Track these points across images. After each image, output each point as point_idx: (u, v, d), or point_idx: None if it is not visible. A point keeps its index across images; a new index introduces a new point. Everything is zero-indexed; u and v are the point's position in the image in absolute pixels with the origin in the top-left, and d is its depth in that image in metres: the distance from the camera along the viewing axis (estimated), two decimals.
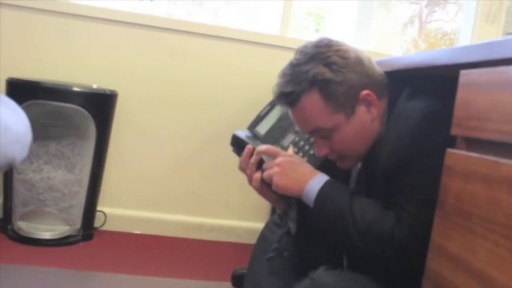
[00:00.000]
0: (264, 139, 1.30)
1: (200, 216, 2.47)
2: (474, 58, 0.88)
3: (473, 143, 0.86)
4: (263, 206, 2.46)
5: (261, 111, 1.33)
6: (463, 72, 0.90)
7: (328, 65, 1.09)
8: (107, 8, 2.34)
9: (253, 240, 2.46)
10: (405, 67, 1.14)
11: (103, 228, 2.29)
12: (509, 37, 0.88)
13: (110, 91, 2.15)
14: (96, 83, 2.19)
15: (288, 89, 1.10)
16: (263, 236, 1.45)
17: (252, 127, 1.31)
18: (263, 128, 1.32)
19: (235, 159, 2.43)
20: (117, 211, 2.36)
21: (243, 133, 1.27)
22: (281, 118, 1.32)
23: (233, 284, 1.69)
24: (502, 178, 0.75)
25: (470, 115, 0.85)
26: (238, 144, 1.25)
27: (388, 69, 1.23)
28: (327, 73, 1.08)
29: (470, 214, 0.82)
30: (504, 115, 0.76)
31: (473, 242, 0.80)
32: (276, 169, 1.11)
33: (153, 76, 2.38)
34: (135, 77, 2.37)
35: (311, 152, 1.29)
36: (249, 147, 1.20)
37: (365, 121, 1.12)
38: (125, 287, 1.76)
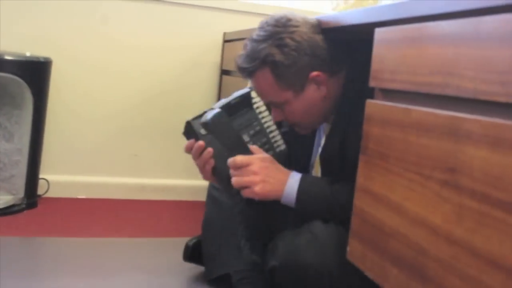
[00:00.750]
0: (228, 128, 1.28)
1: (142, 177, 2.53)
2: (386, 17, 0.98)
3: (387, 94, 0.97)
4: None
5: (233, 98, 1.31)
6: (377, 30, 0.99)
7: (280, 46, 1.16)
8: None
9: (194, 197, 2.56)
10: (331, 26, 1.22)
11: (47, 195, 2.31)
12: None
13: (44, 58, 2.14)
14: (29, 51, 2.16)
15: (244, 65, 1.21)
16: (214, 197, 1.51)
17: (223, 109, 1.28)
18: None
19: (174, 119, 2.51)
20: (60, 177, 2.38)
21: (198, 123, 1.26)
22: (243, 115, 1.32)
23: (187, 257, 1.65)
24: (412, 123, 0.86)
25: (384, 68, 0.95)
26: (190, 134, 1.26)
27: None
28: (277, 55, 1.16)
29: (387, 156, 0.93)
30: (411, 67, 0.87)
31: (391, 180, 0.91)
32: (255, 178, 1.15)
33: (87, 41, 2.37)
34: (68, 44, 2.34)
35: (277, 150, 1.32)
36: (200, 144, 1.23)
37: (314, 98, 1.21)
38: (74, 249, 1.80)
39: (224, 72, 2.47)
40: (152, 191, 2.52)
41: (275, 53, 1.16)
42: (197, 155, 1.24)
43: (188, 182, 2.56)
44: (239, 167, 1.17)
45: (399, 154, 0.89)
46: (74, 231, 1.96)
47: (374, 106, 0.98)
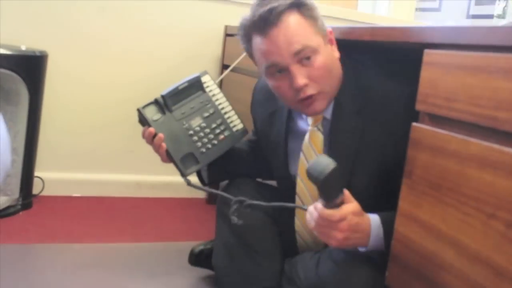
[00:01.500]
0: (175, 114, 1.35)
1: (139, 174, 2.46)
2: (440, 40, 0.94)
3: (439, 120, 0.93)
4: None
5: (180, 83, 1.36)
6: (427, 52, 0.96)
7: None
8: None
9: (194, 193, 2.51)
10: (368, 38, 1.18)
11: (42, 194, 2.22)
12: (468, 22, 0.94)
13: (40, 51, 2.04)
14: (24, 44, 2.06)
15: (268, 7, 1.13)
16: (225, 216, 1.39)
17: (167, 96, 1.34)
18: (175, 102, 1.36)
19: None
20: (55, 175, 2.29)
21: (149, 110, 1.35)
22: (195, 99, 1.39)
23: (193, 262, 1.63)
24: (471, 155, 0.83)
25: (437, 93, 0.92)
26: (143, 122, 1.35)
27: (339, 37, 1.27)
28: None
29: (439, 185, 0.90)
30: (473, 98, 0.84)
31: (444, 211, 0.88)
32: (338, 235, 1.03)
33: (83, 34, 2.27)
34: (64, 36, 2.24)
35: (215, 142, 1.39)
36: (150, 130, 1.31)
37: (333, 56, 1.20)
38: (72, 257, 1.74)
39: (225, 67, 2.41)
40: (148, 188, 2.46)
41: None
42: (150, 140, 1.32)
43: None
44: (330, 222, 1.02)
45: (455, 186, 0.86)
46: (72, 236, 1.89)
47: (422, 131, 0.95)
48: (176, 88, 1.35)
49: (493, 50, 0.81)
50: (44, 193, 2.23)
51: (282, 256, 1.36)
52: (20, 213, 2.04)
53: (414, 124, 0.98)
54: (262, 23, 1.14)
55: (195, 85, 1.39)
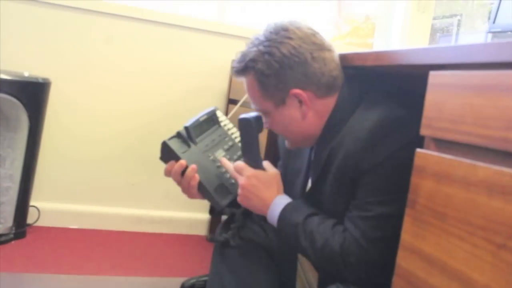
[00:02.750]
0: (199, 147, 1.30)
1: (139, 208, 2.40)
2: (445, 60, 0.89)
3: (444, 145, 0.87)
4: None
5: (200, 116, 1.34)
6: (432, 73, 0.90)
7: (266, 54, 1.11)
8: None
9: (194, 231, 2.44)
10: (372, 63, 1.13)
11: (37, 224, 2.17)
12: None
13: (43, 79, 2.02)
14: (27, 71, 2.04)
15: (235, 64, 1.18)
16: (222, 250, 1.36)
17: (192, 128, 1.30)
18: (198, 134, 1.32)
19: None
20: (51, 205, 2.24)
21: (174, 143, 1.28)
22: (214, 132, 1.36)
23: None
24: (479, 181, 0.76)
25: (443, 116, 0.86)
26: (169, 156, 1.26)
27: (354, 63, 1.22)
28: (260, 63, 1.11)
29: (444, 215, 0.83)
30: (480, 119, 0.77)
31: (450, 243, 0.81)
32: (239, 191, 1.18)
33: (88, 63, 2.27)
34: (69, 64, 2.24)
35: None
36: (182, 163, 1.23)
37: (294, 116, 1.15)
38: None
39: (231, 101, 2.37)
40: (149, 223, 2.39)
41: (258, 60, 1.12)
42: (178, 175, 1.24)
43: (187, 215, 2.44)
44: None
45: (462, 215, 0.79)
46: (65, 267, 1.83)
47: (427, 157, 0.88)
48: (198, 120, 1.33)
49: (502, 67, 0.75)
50: (39, 223, 2.17)
51: None
52: (13, 242, 1.98)
53: (418, 150, 0.91)
54: (232, 71, 1.22)
55: (212, 119, 1.38)
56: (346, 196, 1.07)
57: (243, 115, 1.21)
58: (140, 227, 2.38)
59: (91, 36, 2.26)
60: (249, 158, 1.21)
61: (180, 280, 1.69)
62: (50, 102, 2.09)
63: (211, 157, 1.30)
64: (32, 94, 1.99)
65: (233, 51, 2.41)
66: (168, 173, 1.25)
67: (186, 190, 1.26)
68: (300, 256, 1.31)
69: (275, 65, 1.10)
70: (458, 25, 3.21)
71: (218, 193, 1.27)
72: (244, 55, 1.15)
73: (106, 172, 2.34)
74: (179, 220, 2.43)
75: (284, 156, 1.38)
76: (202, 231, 2.46)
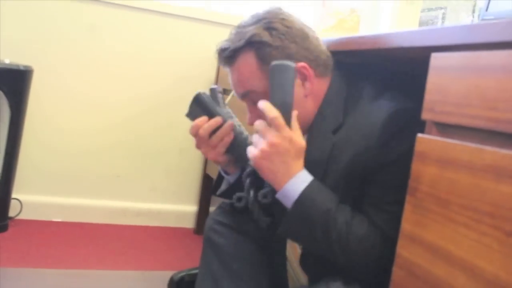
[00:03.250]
0: (224, 111, 1.20)
1: (125, 201, 2.35)
2: (449, 41, 0.85)
3: (448, 129, 0.84)
4: (190, 188, 2.39)
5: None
6: (434, 55, 0.87)
7: (269, 29, 1.07)
8: None
9: (181, 224, 2.40)
10: (369, 47, 1.10)
11: (19, 217, 2.11)
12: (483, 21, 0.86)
13: (25, 66, 1.96)
14: (8, 58, 1.98)
15: (225, 45, 1.10)
16: (212, 242, 1.30)
17: (217, 90, 1.20)
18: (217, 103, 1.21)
19: (160, 139, 2.34)
20: (34, 197, 2.18)
21: (208, 98, 1.17)
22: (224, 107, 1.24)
23: None
24: (486, 166, 0.73)
25: (447, 100, 0.82)
26: (200, 110, 1.16)
27: (339, 48, 1.19)
28: (265, 36, 1.07)
29: (448, 202, 0.80)
30: (487, 101, 0.74)
31: (454, 231, 0.78)
32: (260, 152, 0.99)
33: (73, 51, 2.20)
34: (53, 52, 2.17)
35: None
36: (218, 119, 1.14)
37: (297, 94, 1.06)
38: (51, 284, 1.62)
39: None
40: (135, 216, 2.34)
41: (262, 34, 1.07)
42: (209, 132, 1.14)
43: (174, 207, 2.39)
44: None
45: (467, 201, 0.76)
46: (48, 261, 1.78)
47: (429, 142, 0.85)
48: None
49: (510, 47, 0.72)
50: (22, 216, 2.12)
51: (269, 285, 1.25)
52: None
53: (419, 135, 0.88)
54: (219, 60, 1.13)
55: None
56: (354, 192, 1.02)
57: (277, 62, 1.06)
58: (126, 220, 2.33)
59: (75, 24, 2.19)
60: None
61: (168, 273, 1.64)
62: (32, 91, 2.03)
63: (236, 122, 1.21)
64: (13, 82, 1.92)
65: (220, 39, 2.38)
66: (196, 128, 1.14)
67: (212, 149, 1.16)
68: (288, 253, 1.27)
69: (281, 37, 1.07)
70: (443, 18, 3.20)
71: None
72: (238, 35, 1.09)
73: (90, 164, 2.29)
74: (166, 213, 2.39)
75: None
76: (190, 223, 2.42)
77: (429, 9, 3.41)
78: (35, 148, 2.17)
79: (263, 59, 1.07)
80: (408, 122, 0.96)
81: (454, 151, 0.80)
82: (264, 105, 1.00)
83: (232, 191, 1.26)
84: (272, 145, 0.98)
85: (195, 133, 1.15)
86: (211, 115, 1.15)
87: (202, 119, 1.15)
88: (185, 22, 2.35)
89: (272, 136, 0.98)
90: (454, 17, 3.56)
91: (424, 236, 0.84)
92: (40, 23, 2.14)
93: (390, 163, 0.98)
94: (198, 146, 1.18)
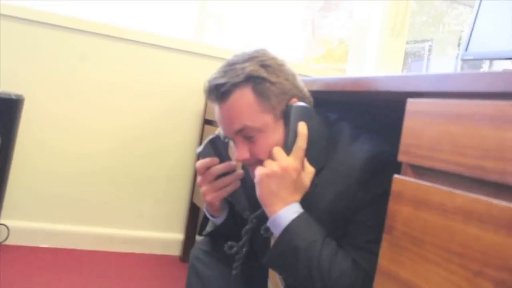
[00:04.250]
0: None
1: (111, 227, 2.36)
2: (423, 88, 0.91)
3: (422, 172, 0.88)
4: (177, 216, 2.41)
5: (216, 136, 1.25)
6: (410, 101, 0.92)
7: (264, 66, 1.10)
8: (11, 4, 2.16)
9: (168, 251, 2.41)
10: (350, 88, 1.15)
11: (6, 242, 2.11)
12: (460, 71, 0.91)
13: (16, 95, 1.99)
14: (1, 88, 2.01)
15: (222, 81, 1.09)
16: (197, 272, 1.32)
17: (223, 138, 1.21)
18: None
19: (148, 167, 2.37)
20: (21, 223, 2.19)
21: (222, 142, 1.20)
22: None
23: None
24: (456, 208, 0.78)
25: (421, 143, 0.87)
26: (213, 153, 1.18)
27: (323, 88, 1.25)
28: (262, 72, 1.09)
29: (422, 241, 0.84)
30: (458, 147, 0.79)
31: (427, 269, 0.82)
32: (269, 170, 1.04)
33: (63, 80, 2.24)
34: (43, 81, 2.21)
35: None
36: (232, 164, 1.17)
37: None
38: None
39: (206, 122, 2.37)
40: (121, 243, 2.36)
41: (259, 70, 1.09)
42: (217, 174, 1.16)
43: (160, 235, 2.41)
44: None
45: (439, 241, 0.80)
46: (35, 287, 1.78)
47: (404, 183, 0.90)
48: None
49: (479, 97, 0.77)
50: (9, 241, 2.12)
51: None
52: None
53: (396, 176, 0.92)
54: (213, 96, 1.12)
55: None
56: (337, 231, 1.06)
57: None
58: (112, 246, 2.34)
59: (67, 54, 2.24)
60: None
61: None
62: (23, 119, 2.06)
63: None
64: (4, 111, 1.95)
65: (209, 72, 2.44)
66: (206, 166, 1.16)
67: (214, 191, 1.18)
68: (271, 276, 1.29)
69: (278, 73, 1.11)
70: (429, 50, 3.29)
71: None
72: (234, 70, 1.09)
73: (78, 190, 2.31)
74: (152, 240, 2.40)
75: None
76: (176, 251, 2.43)
77: (416, 41, 3.50)
78: (23, 175, 2.19)
79: (261, 94, 1.08)
80: (385, 165, 1.01)
81: (428, 193, 0.84)
82: (300, 128, 1.08)
83: (217, 233, 1.29)
84: (283, 168, 1.03)
85: (203, 170, 1.16)
86: (222, 159, 1.17)
87: (214, 159, 1.17)
88: (175, 54, 2.40)
89: (287, 162, 1.04)
90: (440, 49, 3.66)
91: (399, 273, 0.88)
92: (31, 52, 2.18)
93: (369, 203, 1.02)
94: (201, 184, 1.19)
